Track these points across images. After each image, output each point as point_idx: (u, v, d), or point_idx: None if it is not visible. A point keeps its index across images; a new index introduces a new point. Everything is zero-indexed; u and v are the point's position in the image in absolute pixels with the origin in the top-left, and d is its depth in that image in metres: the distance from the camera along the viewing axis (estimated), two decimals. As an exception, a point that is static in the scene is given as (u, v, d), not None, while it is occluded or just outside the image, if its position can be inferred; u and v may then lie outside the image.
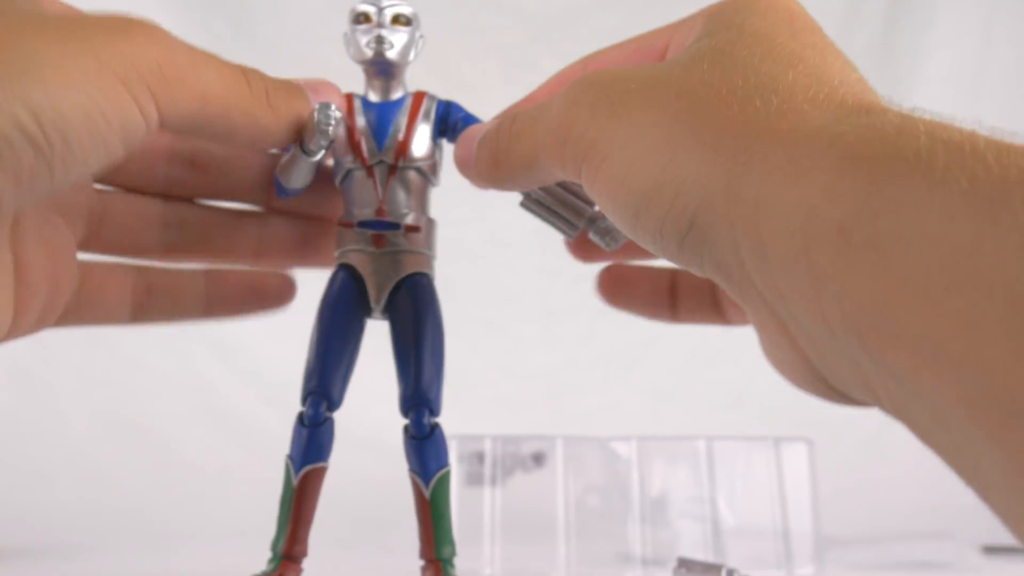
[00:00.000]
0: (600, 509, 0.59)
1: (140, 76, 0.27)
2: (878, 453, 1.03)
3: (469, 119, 0.36)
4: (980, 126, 0.21)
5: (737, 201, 0.22)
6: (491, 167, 0.31)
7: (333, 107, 0.32)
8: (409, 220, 0.35)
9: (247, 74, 0.31)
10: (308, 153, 0.33)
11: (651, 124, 0.25)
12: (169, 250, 0.38)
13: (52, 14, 0.28)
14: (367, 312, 0.35)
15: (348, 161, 0.35)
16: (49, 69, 0.25)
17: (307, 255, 0.39)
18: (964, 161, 0.19)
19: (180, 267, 0.38)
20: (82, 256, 0.35)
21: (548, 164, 0.29)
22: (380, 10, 0.35)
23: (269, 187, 0.37)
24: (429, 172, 0.36)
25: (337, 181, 0.36)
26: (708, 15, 0.30)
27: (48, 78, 0.24)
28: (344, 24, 0.36)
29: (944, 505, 0.91)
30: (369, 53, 0.35)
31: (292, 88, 0.32)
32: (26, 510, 0.76)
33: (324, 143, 0.33)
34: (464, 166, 0.33)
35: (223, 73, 0.30)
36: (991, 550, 0.73)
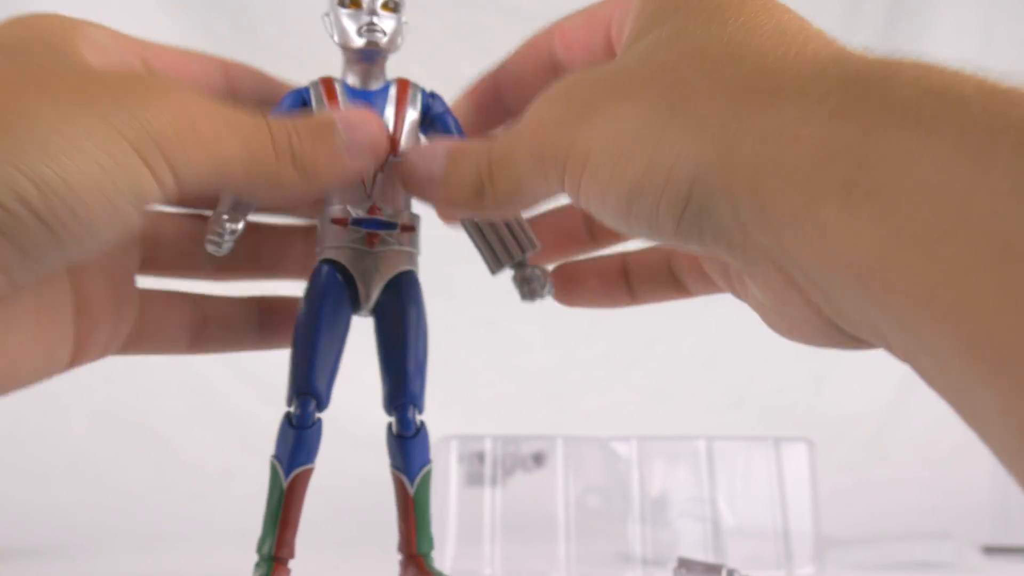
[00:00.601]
0: (600, 509, 0.59)
1: (153, 140, 0.25)
2: (878, 453, 1.03)
3: (447, 116, 0.35)
4: (965, 67, 0.21)
5: (733, 169, 0.22)
6: (474, 197, 0.30)
7: (226, 223, 0.31)
8: (404, 220, 0.34)
9: (272, 130, 0.28)
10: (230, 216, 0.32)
11: (626, 117, 0.25)
12: (220, 269, 0.37)
13: (77, 64, 0.28)
14: (354, 309, 0.35)
15: None
16: (55, 136, 0.23)
17: None
18: (952, 110, 0.19)
19: (234, 296, 0.37)
20: (140, 284, 0.35)
21: (533, 187, 0.29)
22: None
23: (318, 201, 0.36)
24: None
25: None
26: None
27: (53, 146, 0.23)
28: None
29: (944, 505, 0.91)
30: (360, 42, 0.34)
31: (320, 135, 0.30)
32: (26, 510, 0.76)
33: (211, 250, 0.31)
34: (423, 185, 0.32)
35: (245, 133, 0.28)
36: (991, 550, 0.73)
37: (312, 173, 0.29)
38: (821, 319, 0.24)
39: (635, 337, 1.07)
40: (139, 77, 0.27)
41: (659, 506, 0.58)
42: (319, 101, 0.34)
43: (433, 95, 0.35)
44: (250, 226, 0.36)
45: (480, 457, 0.58)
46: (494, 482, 0.57)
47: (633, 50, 0.27)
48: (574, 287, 0.36)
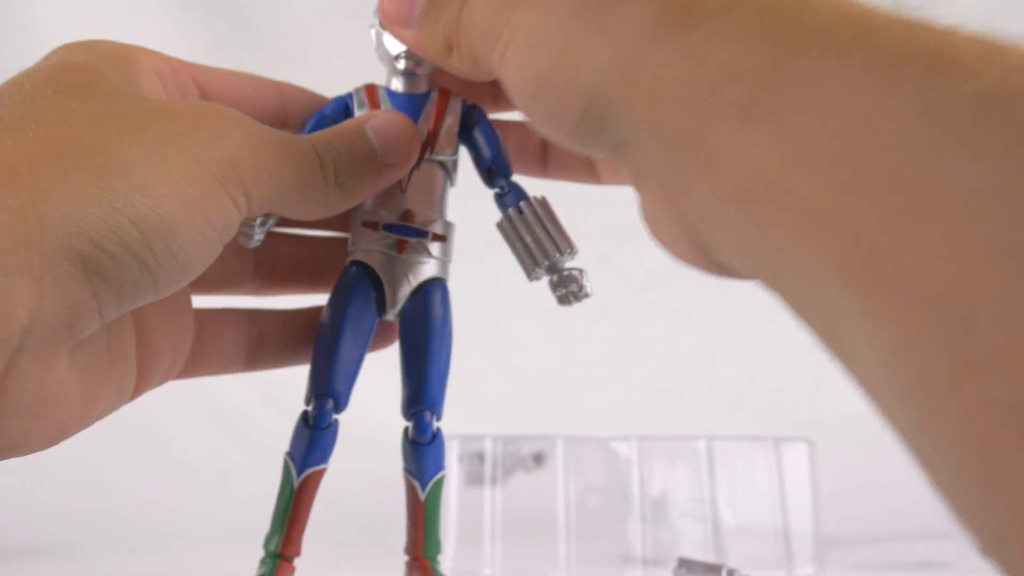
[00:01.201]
0: (600, 509, 0.59)
1: (236, 174, 0.26)
2: (878, 453, 1.03)
3: (485, 125, 0.35)
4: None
5: (634, 83, 0.22)
6: (444, 53, 0.30)
7: (256, 227, 0.32)
8: (437, 228, 0.34)
9: (320, 153, 0.30)
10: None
11: (550, 11, 0.25)
12: (263, 284, 0.37)
13: (147, 99, 0.28)
14: (380, 312, 0.35)
15: None
16: (153, 176, 0.24)
17: None
18: (866, 36, 0.19)
19: (286, 309, 0.37)
20: (196, 305, 0.35)
21: (486, 57, 0.29)
22: None
23: (348, 211, 0.36)
24: (451, 168, 0.35)
25: None
26: None
27: (152, 185, 0.24)
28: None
29: (944, 505, 0.91)
30: (401, 67, 0.34)
31: (355, 148, 0.31)
32: (26, 510, 0.76)
33: (243, 242, 0.32)
34: (399, 22, 0.32)
35: (299, 158, 0.29)
36: (991, 550, 0.73)
37: (352, 189, 0.30)
38: (693, 241, 0.24)
39: (635, 337, 1.07)
40: (208, 109, 0.27)
41: (659, 506, 0.58)
42: (361, 107, 0.35)
43: (474, 106, 0.35)
44: (291, 240, 0.37)
45: (480, 457, 0.58)
46: (494, 482, 0.57)
47: None
48: None
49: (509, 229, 0.34)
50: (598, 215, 1.13)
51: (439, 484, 0.35)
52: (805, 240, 0.18)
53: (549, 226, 0.33)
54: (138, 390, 0.32)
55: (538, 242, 0.33)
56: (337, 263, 0.37)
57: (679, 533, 0.58)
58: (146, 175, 0.24)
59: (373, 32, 0.35)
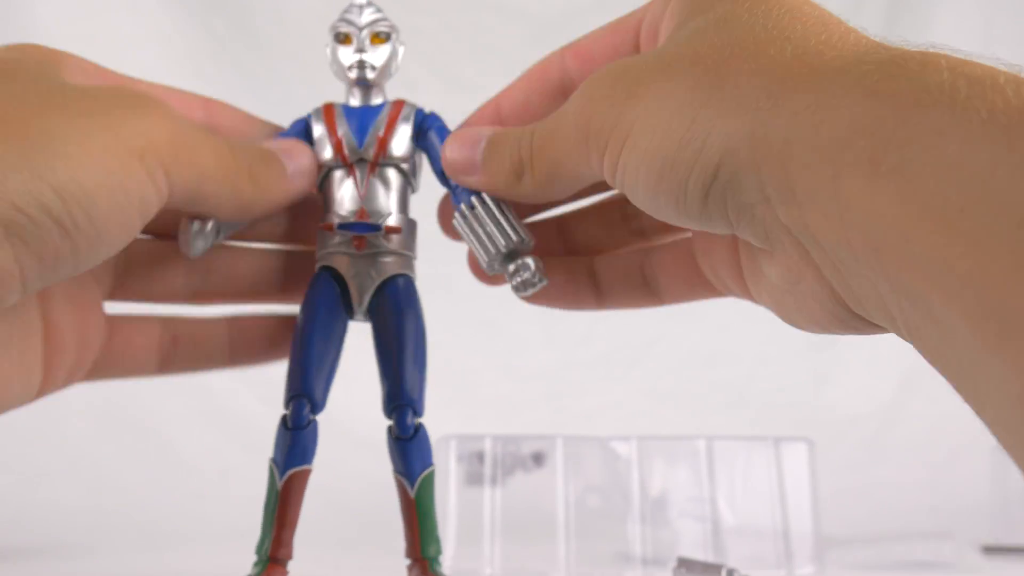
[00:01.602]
0: (600, 509, 0.59)
1: (155, 152, 0.27)
2: (878, 453, 1.03)
3: (444, 131, 0.36)
4: (999, 63, 0.21)
5: (763, 143, 0.23)
6: (513, 181, 0.32)
7: (195, 228, 0.33)
8: (390, 222, 0.35)
9: (233, 149, 0.31)
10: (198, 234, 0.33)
11: (670, 94, 0.26)
12: (195, 295, 0.37)
13: (71, 83, 0.28)
14: (349, 314, 0.36)
15: (329, 160, 0.36)
16: (73, 146, 0.25)
17: None
18: (984, 93, 0.20)
19: (204, 315, 0.37)
20: (109, 309, 0.35)
21: (574, 167, 0.30)
22: (360, 30, 0.35)
23: (292, 224, 0.37)
24: (409, 172, 0.36)
25: (317, 183, 0.36)
26: None
27: (72, 155, 0.25)
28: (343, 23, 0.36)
29: (944, 505, 0.91)
30: (352, 76, 0.36)
31: (269, 159, 0.33)
32: (26, 510, 0.76)
33: (183, 249, 0.34)
34: (464, 171, 0.33)
35: (217, 149, 0.30)
36: (991, 550, 0.73)
37: (264, 188, 0.32)
38: (832, 298, 0.24)
39: (635, 337, 1.07)
40: (132, 92, 0.29)
41: (659, 506, 0.58)
42: (319, 123, 0.36)
43: (431, 115, 0.36)
44: (226, 250, 0.37)
45: (480, 457, 0.58)
46: (494, 482, 0.57)
47: (680, 33, 0.28)
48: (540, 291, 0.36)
49: (463, 225, 0.34)
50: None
51: (428, 480, 0.35)
52: (937, 289, 0.19)
53: (500, 218, 0.33)
54: (43, 388, 0.33)
55: (490, 235, 0.33)
56: (267, 277, 0.37)
57: (679, 533, 0.58)
58: (66, 146, 0.25)
59: (328, 50, 0.36)
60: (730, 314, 1.18)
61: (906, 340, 0.22)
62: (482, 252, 0.34)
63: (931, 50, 0.23)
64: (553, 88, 0.35)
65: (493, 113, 0.36)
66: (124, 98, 0.28)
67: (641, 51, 0.32)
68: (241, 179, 0.31)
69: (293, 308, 0.38)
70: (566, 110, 0.30)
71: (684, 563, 0.52)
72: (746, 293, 0.31)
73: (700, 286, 0.34)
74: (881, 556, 0.64)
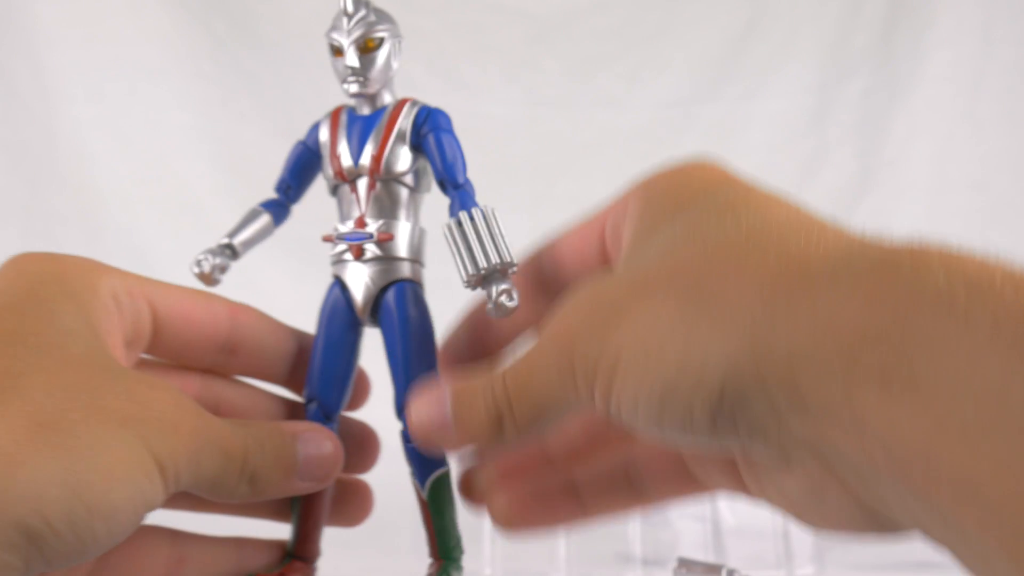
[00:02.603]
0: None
1: (174, 465, 0.27)
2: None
3: (440, 133, 0.35)
4: (989, 252, 0.21)
5: (766, 359, 0.22)
6: (494, 433, 0.29)
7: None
8: (384, 229, 0.35)
9: (247, 453, 0.30)
10: None
11: (655, 316, 0.25)
12: (200, 503, 0.36)
13: (112, 365, 0.28)
14: (360, 321, 0.36)
15: (330, 178, 0.36)
16: (111, 463, 0.25)
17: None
18: (985, 299, 0.19)
19: (215, 536, 0.36)
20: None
21: (559, 404, 0.28)
22: (350, 42, 0.35)
23: (293, 372, 0.37)
24: (411, 181, 0.36)
25: (329, 194, 0.37)
26: (643, 197, 0.29)
27: (109, 473, 0.25)
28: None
29: None
30: (349, 90, 0.35)
31: (280, 455, 0.31)
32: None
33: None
34: (438, 435, 0.31)
35: (228, 458, 0.30)
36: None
37: (260, 491, 0.31)
38: (860, 507, 0.24)
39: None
40: (166, 397, 0.28)
41: (659, 505, 0.58)
42: (325, 133, 0.36)
43: (431, 112, 0.35)
44: (237, 387, 0.37)
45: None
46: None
47: (647, 250, 0.27)
48: (516, 516, 0.34)
49: (448, 239, 0.33)
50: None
51: (440, 482, 0.35)
52: (967, 511, 0.19)
53: (487, 240, 0.33)
54: None
55: (471, 254, 0.33)
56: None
57: (679, 533, 0.58)
58: (107, 460, 0.25)
59: (331, 60, 0.36)
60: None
61: (945, 551, 0.21)
62: (467, 267, 0.33)
63: (917, 244, 0.22)
64: (534, 289, 0.34)
65: (480, 318, 0.36)
66: (160, 404, 0.28)
67: (609, 257, 0.32)
68: (241, 486, 0.30)
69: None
70: (542, 346, 0.28)
71: (684, 563, 0.52)
72: (745, 491, 0.30)
73: (690, 485, 0.32)
74: (881, 556, 0.64)
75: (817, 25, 1.20)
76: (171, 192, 1.09)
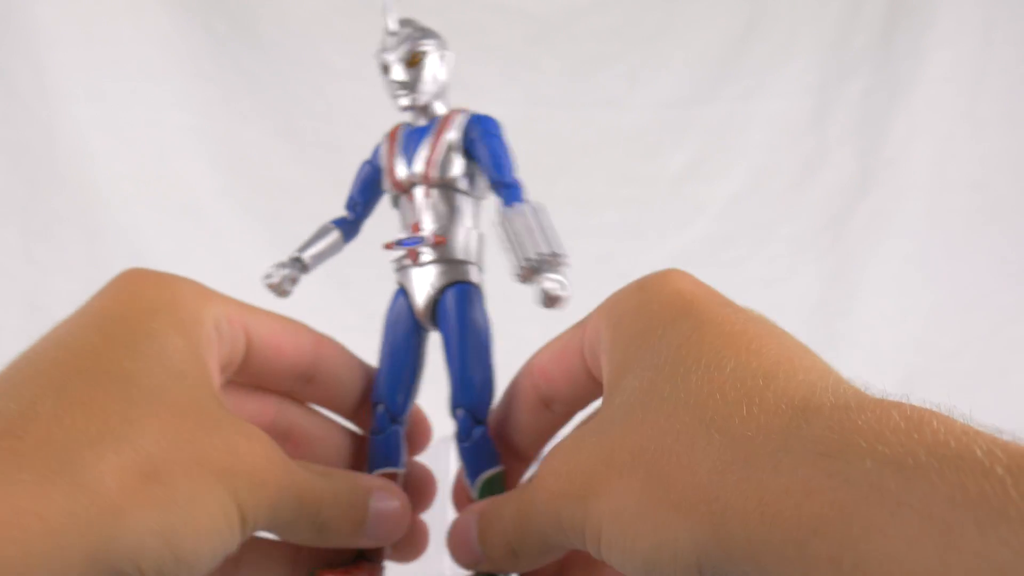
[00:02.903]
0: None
1: (256, 518, 0.28)
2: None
3: (489, 137, 0.36)
4: (911, 423, 0.21)
5: (730, 543, 0.23)
6: (513, 562, 0.32)
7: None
8: (438, 232, 0.36)
9: (324, 507, 0.31)
10: None
11: (624, 495, 0.26)
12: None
13: (216, 406, 0.29)
14: (422, 325, 0.37)
15: (388, 190, 0.37)
16: (208, 515, 0.26)
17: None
18: (912, 486, 0.20)
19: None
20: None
21: (561, 545, 0.30)
22: (396, 58, 0.36)
23: (361, 405, 0.38)
24: (465, 188, 0.36)
25: (391, 206, 0.38)
26: (612, 326, 0.31)
27: (203, 524, 0.26)
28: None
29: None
30: (397, 103, 0.37)
31: (351, 519, 0.33)
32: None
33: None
34: (475, 563, 0.34)
35: (306, 511, 0.31)
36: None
37: (327, 540, 0.32)
38: None
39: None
40: (261, 449, 0.29)
41: None
42: (385, 145, 0.38)
43: (480, 118, 0.37)
44: (310, 415, 0.38)
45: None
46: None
47: (615, 404, 0.29)
48: None
49: (500, 233, 0.34)
50: (599, 216, 1.13)
51: (490, 482, 0.36)
52: None
53: (536, 232, 0.33)
54: None
55: (521, 246, 0.33)
56: (343, 449, 0.39)
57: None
58: (199, 514, 0.26)
59: (382, 79, 0.37)
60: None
61: None
62: (513, 262, 0.34)
63: (840, 423, 0.22)
64: (535, 405, 0.36)
65: (494, 435, 0.37)
66: (254, 457, 0.29)
67: (593, 376, 0.33)
68: (309, 531, 0.32)
69: None
70: (535, 502, 0.30)
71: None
72: None
73: None
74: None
75: (817, 25, 1.20)
76: (171, 192, 1.09)
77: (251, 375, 0.35)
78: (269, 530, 0.30)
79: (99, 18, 1.08)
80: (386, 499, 0.34)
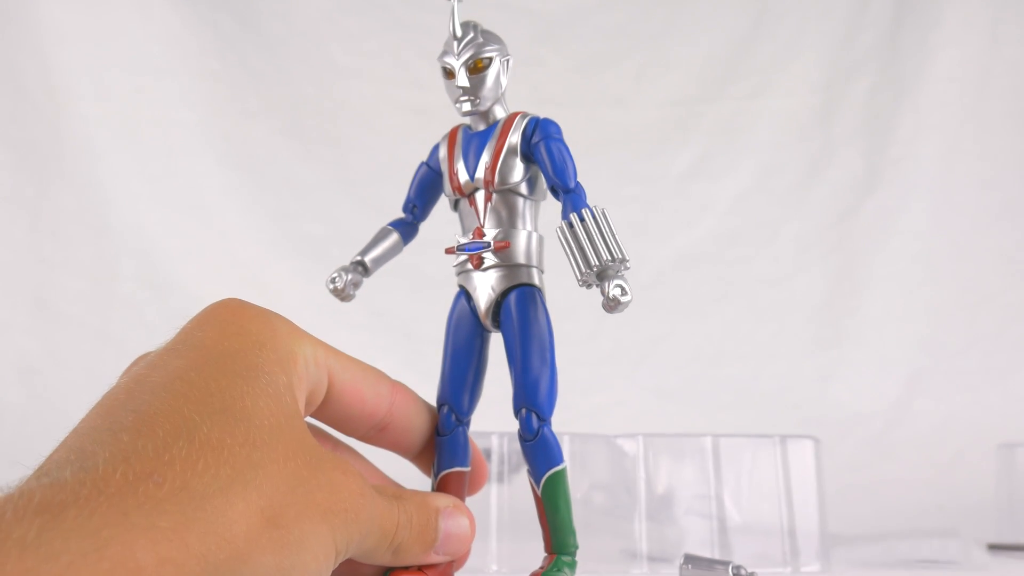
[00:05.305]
0: (606, 506, 0.59)
1: (347, 549, 0.30)
2: (884, 451, 1.03)
3: (549, 141, 0.36)
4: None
5: None
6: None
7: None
8: (499, 237, 0.36)
9: (398, 527, 0.33)
10: None
11: None
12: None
13: (321, 459, 0.30)
14: (485, 327, 0.37)
15: (450, 194, 0.38)
16: (311, 556, 0.28)
17: None
18: None
19: None
20: None
21: None
22: (461, 64, 0.37)
23: (425, 450, 0.38)
24: (525, 189, 0.37)
25: (451, 209, 0.38)
26: None
27: (308, 565, 0.27)
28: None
29: (949, 503, 0.91)
30: (461, 110, 0.37)
31: (423, 538, 0.34)
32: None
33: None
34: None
35: (384, 534, 0.32)
36: (996, 548, 0.73)
37: (400, 560, 0.34)
38: None
39: (641, 335, 1.07)
40: (355, 486, 0.31)
41: (665, 503, 0.58)
42: (444, 148, 0.38)
43: (539, 121, 0.37)
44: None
45: (487, 454, 0.58)
46: (500, 479, 0.58)
47: None
48: None
49: (560, 240, 0.35)
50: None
51: (555, 479, 0.36)
52: None
53: (597, 238, 0.34)
54: None
55: (583, 253, 0.34)
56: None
57: (685, 530, 0.58)
58: (307, 555, 0.28)
59: (444, 83, 0.37)
60: (736, 312, 1.18)
61: None
62: (574, 268, 0.34)
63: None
64: None
65: None
66: (349, 493, 0.30)
67: None
68: (385, 554, 0.33)
69: None
70: None
71: (691, 559, 0.52)
72: None
73: None
74: (887, 554, 0.64)
75: (823, 24, 1.20)
76: (177, 189, 1.09)
77: (328, 418, 0.35)
78: (352, 556, 0.31)
79: (106, 17, 1.08)
80: (455, 517, 0.35)
